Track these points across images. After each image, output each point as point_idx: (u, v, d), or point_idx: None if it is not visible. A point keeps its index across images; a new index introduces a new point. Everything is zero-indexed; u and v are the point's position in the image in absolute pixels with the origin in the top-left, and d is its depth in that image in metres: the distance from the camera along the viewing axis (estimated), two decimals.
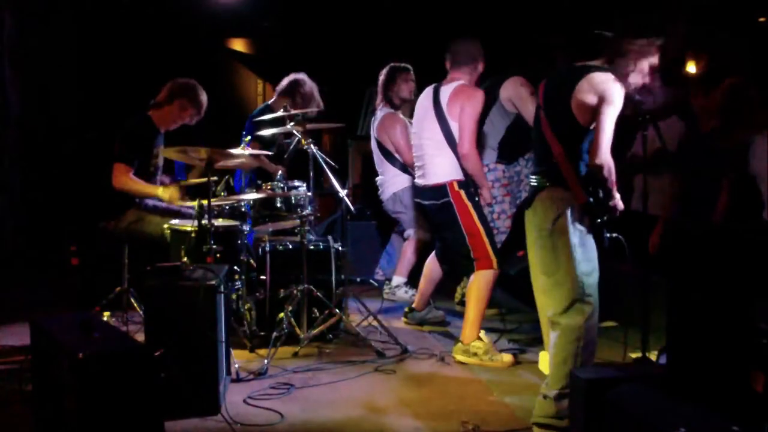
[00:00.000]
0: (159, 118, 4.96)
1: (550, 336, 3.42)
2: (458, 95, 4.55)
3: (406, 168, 6.05)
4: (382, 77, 6.07)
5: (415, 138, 4.83)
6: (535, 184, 3.45)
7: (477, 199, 4.65)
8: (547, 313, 3.44)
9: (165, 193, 4.79)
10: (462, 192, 4.56)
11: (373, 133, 6.17)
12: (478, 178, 4.66)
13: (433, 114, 4.63)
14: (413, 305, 5.31)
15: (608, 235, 3.31)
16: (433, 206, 4.66)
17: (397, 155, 6.03)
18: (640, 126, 3.99)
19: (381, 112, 6.10)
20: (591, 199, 3.26)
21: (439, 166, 4.61)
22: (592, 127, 3.27)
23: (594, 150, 3.20)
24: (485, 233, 4.53)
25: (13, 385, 3.82)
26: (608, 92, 3.22)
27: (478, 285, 4.52)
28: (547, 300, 3.44)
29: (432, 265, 5.19)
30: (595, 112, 3.23)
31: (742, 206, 4.74)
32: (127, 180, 4.77)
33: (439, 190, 4.60)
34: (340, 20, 8.07)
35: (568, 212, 3.31)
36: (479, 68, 4.68)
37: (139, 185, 4.82)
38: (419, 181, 4.79)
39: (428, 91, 4.76)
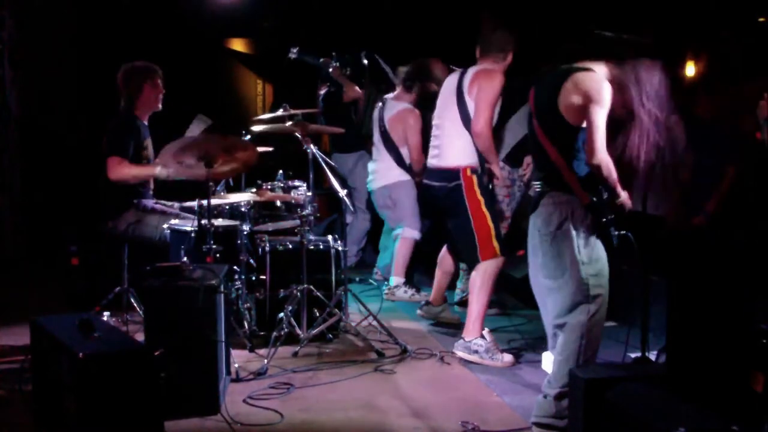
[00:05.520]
0: (140, 109, 4.94)
1: (559, 337, 3.41)
2: (478, 77, 4.51)
3: (402, 161, 6.01)
4: (412, 67, 5.99)
5: (436, 119, 4.76)
6: (539, 189, 3.44)
7: (487, 185, 4.60)
8: (551, 315, 3.43)
9: (164, 170, 4.69)
10: (474, 177, 4.52)
11: (383, 121, 6.09)
12: (488, 155, 4.57)
13: (454, 97, 4.58)
14: (429, 299, 5.18)
15: (616, 233, 3.30)
16: (444, 188, 4.59)
17: (402, 150, 6.00)
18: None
19: (399, 104, 6.05)
20: (594, 199, 3.26)
21: (456, 149, 4.57)
22: (583, 125, 3.26)
23: (589, 150, 3.20)
24: (491, 219, 4.49)
25: (13, 385, 3.82)
26: (593, 91, 3.21)
27: (482, 276, 4.47)
28: (551, 303, 3.43)
29: (445, 257, 5.04)
30: (583, 112, 3.23)
31: (741, 198, 4.74)
32: (123, 169, 4.70)
33: (452, 173, 4.55)
34: (339, 20, 8.06)
35: (572, 215, 3.30)
36: (508, 59, 4.55)
37: (136, 169, 4.76)
38: (432, 162, 4.72)
39: (453, 76, 4.71)
